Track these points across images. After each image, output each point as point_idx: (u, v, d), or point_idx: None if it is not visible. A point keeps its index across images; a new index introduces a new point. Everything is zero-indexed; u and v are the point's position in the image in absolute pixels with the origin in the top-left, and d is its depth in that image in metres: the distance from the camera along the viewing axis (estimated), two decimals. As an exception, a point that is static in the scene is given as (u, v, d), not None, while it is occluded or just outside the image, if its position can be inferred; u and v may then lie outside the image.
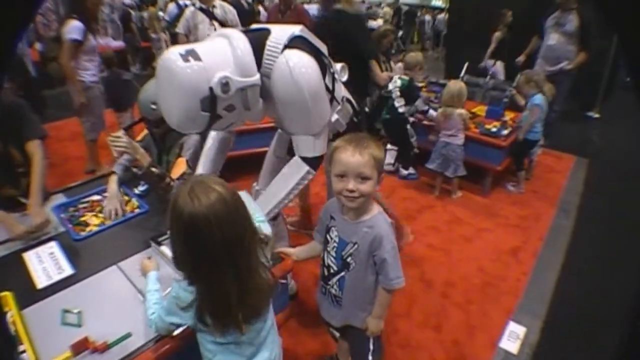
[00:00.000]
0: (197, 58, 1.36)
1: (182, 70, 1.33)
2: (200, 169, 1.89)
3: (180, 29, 4.00)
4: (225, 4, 4.16)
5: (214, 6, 3.95)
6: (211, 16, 3.93)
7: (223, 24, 3.98)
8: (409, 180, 3.90)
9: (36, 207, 1.76)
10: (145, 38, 8.29)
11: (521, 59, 4.73)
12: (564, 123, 5.10)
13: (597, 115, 5.86)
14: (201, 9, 3.92)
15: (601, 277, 2.64)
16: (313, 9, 9.52)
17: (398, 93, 3.58)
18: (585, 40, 4.19)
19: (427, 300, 2.43)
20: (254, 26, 1.65)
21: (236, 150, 3.43)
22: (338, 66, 1.79)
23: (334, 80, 1.71)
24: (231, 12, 4.06)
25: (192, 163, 2.02)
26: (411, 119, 3.71)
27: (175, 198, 1.00)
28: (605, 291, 2.53)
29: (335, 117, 1.76)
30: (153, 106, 1.91)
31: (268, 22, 4.23)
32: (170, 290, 1.14)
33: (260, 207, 1.56)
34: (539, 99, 3.40)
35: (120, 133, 1.86)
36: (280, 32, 1.55)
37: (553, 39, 4.34)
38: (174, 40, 4.15)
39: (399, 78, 3.65)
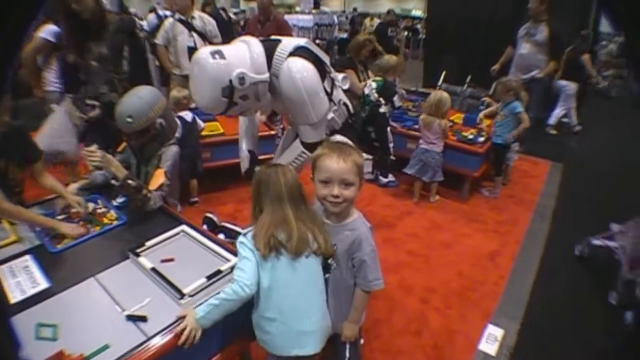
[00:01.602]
0: (222, 57, 1.74)
1: (210, 65, 1.72)
2: (244, 146, 2.30)
3: (159, 39, 3.98)
4: (205, 15, 4.17)
5: (193, 17, 3.96)
6: (190, 27, 3.94)
7: (202, 35, 3.99)
8: (389, 188, 3.95)
9: (67, 194, 1.98)
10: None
11: (496, 67, 4.85)
12: (540, 129, 5.24)
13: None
14: (180, 20, 3.93)
15: (576, 279, 2.72)
16: (293, 19, 9.61)
17: (376, 95, 3.59)
18: (555, 50, 4.35)
19: (407, 306, 2.45)
20: (272, 37, 2.02)
21: (216, 161, 3.48)
22: (340, 76, 2.12)
23: (332, 85, 2.04)
24: (210, 24, 4.07)
25: (171, 174, 2.02)
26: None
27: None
28: (580, 293, 2.60)
29: (331, 115, 2.07)
30: (129, 120, 1.91)
31: (248, 32, 4.25)
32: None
33: None
34: (519, 106, 3.47)
35: (95, 147, 1.86)
36: (288, 42, 1.92)
37: (524, 48, 4.50)
38: (153, 50, 4.12)
39: (373, 81, 3.67)
